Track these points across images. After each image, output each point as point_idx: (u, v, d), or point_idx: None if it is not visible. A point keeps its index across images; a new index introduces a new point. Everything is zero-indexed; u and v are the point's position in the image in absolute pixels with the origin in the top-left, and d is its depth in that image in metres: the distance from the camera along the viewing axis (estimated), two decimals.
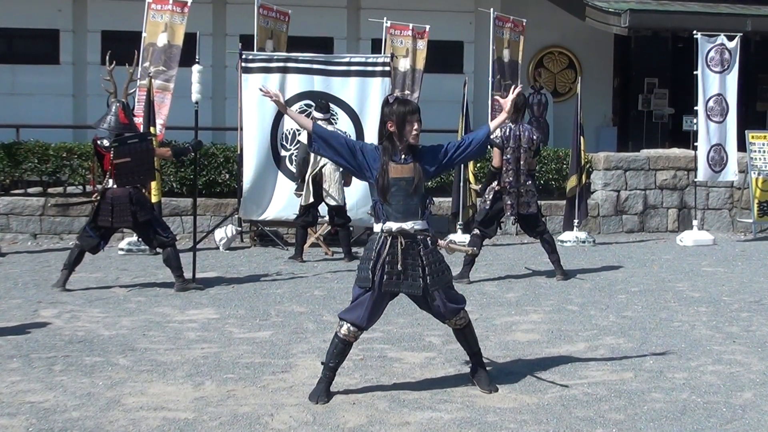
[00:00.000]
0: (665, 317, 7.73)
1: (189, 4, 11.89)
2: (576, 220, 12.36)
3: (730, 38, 12.91)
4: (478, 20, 15.83)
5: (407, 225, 5.27)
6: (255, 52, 12.17)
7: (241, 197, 11.71)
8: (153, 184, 10.35)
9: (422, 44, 13.33)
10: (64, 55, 15.60)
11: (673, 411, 5.21)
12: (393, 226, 5.27)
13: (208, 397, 5.36)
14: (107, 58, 9.51)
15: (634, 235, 13.39)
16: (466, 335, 5.59)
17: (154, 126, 11.00)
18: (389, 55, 12.19)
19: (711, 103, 12.86)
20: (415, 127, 5.27)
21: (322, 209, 10.70)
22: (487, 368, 5.72)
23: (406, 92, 13.09)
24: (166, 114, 11.72)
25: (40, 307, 7.88)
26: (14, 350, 6.37)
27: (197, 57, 9.53)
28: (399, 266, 5.23)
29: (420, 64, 13.29)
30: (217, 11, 15.79)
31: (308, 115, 11.25)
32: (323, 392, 5.30)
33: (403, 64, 13.16)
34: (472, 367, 5.66)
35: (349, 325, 5.33)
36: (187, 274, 8.80)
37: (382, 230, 5.31)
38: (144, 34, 11.89)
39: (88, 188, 11.71)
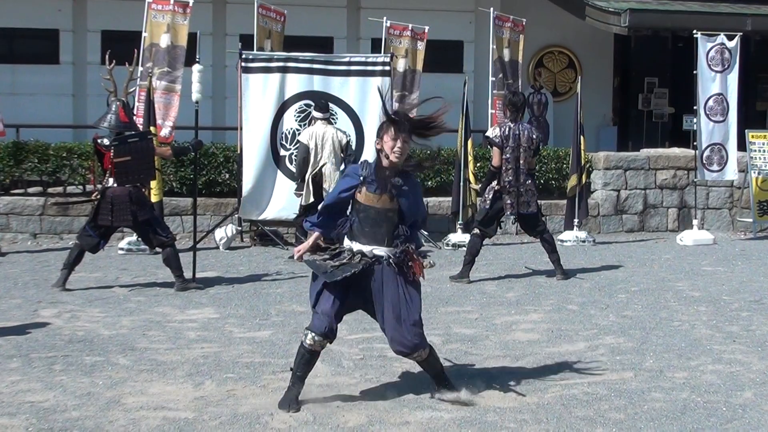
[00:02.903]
0: (665, 317, 7.73)
1: (191, 4, 11.87)
2: (576, 220, 12.35)
3: (730, 38, 12.90)
4: (478, 20, 15.82)
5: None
6: (255, 51, 12.17)
7: (241, 197, 11.70)
8: (153, 184, 10.34)
9: (421, 45, 13.31)
10: (64, 55, 15.57)
11: (673, 410, 5.21)
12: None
13: (208, 397, 5.36)
14: (107, 57, 9.50)
15: (634, 235, 13.38)
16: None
17: (155, 125, 11.00)
18: (389, 55, 12.18)
19: (711, 103, 12.85)
20: (398, 144, 5.10)
21: None
22: (475, 366, 5.62)
23: (405, 93, 13.08)
24: (175, 115, 11.65)
25: (40, 306, 7.88)
26: (14, 350, 6.37)
27: (197, 57, 9.51)
28: None
29: (419, 65, 13.27)
30: (217, 11, 15.77)
31: (308, 115, 11.28)
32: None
33: (402, 65, 13.15)
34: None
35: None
36: (187, 274, 8.79)
37: None
38: (144, 34, 11.86)
39: (88, 188, 11.70)
